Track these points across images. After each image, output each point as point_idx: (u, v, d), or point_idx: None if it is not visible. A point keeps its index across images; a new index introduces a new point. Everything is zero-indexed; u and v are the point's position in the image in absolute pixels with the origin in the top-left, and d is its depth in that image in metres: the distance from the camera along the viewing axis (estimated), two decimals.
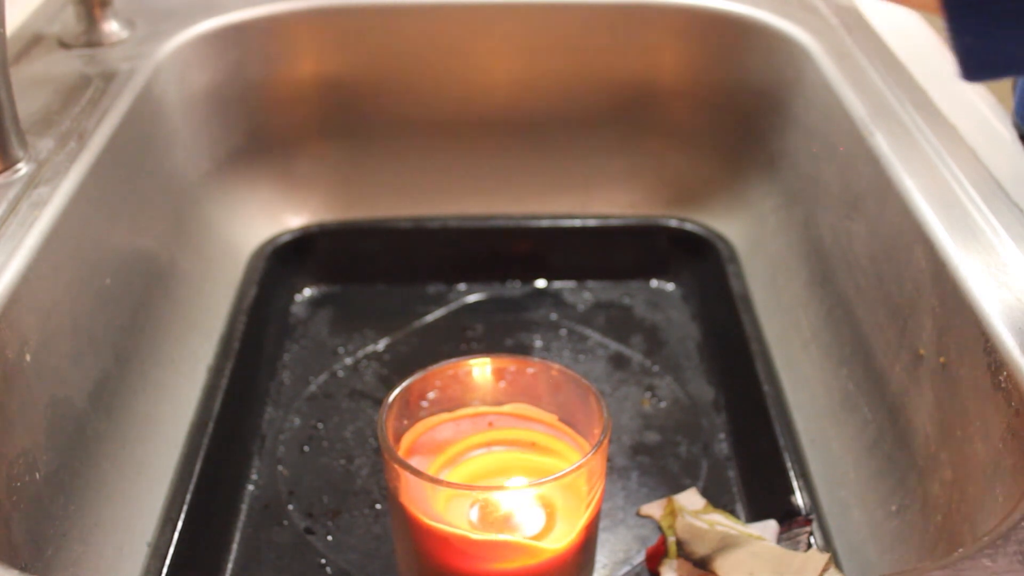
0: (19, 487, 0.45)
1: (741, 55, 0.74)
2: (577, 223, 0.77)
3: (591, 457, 0.45)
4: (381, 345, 0.70)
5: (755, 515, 0.57)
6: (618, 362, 0.69)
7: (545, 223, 0.77)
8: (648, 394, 0.66)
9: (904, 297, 0.53)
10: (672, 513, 0.51)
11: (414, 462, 0.47)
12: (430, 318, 0.73)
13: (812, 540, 0.52)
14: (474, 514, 0.47)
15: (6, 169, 0.53)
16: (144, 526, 0.54)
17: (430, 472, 0.48)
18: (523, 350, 0.70)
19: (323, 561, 0.55)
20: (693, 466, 0.61)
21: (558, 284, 0.76)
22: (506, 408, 0.51)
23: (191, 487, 0.56)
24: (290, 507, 0.58)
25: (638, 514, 0.52)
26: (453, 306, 0.74)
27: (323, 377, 0.68)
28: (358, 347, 0.70)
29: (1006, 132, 0.59)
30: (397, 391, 0.48)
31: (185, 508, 0.54)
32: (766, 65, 0.72)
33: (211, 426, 0.59)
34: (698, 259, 0.75)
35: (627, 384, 0.67)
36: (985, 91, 0.63)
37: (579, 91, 0.76)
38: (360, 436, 0.63)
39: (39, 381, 0.48)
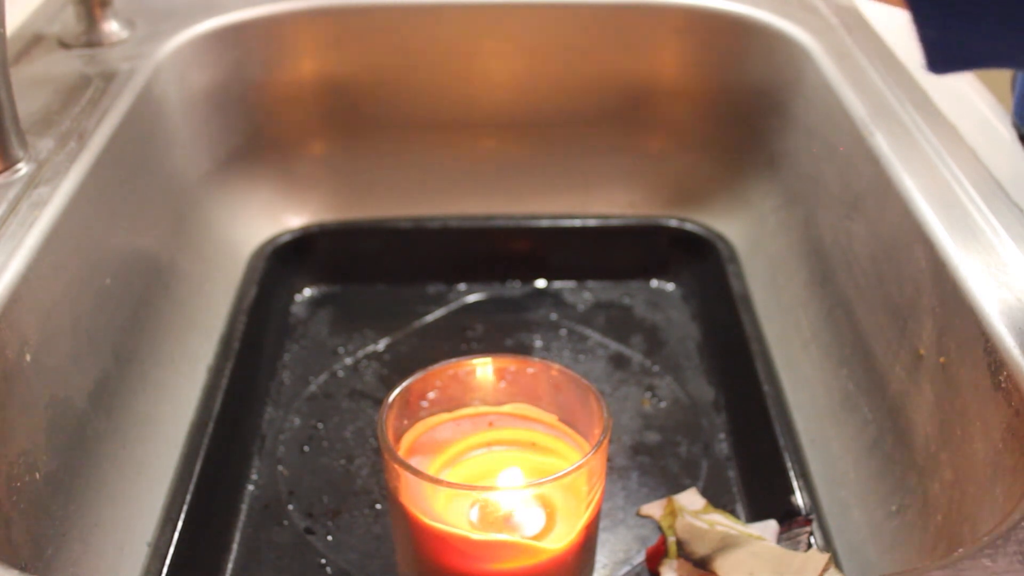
0: (19, 487, 0.45)
1: (741, 55, 0.74)
2: (577, 223, 0.77)
3: (591, 457, 0.45)
4: (381, 345, 0.70)
5: (755, 515, 0.57)
6: (618, 362, 0.69)
7: (545, 223, 0.77)
8: (648, 394, 0.66)
9: (904, 297, 0.53)
10: (672, 513, 0.51)
11: (414, 462, 0.47)
12: (430, 318, 0.73)
13: (812, 540, 0.52)
14: (474, 514, 0.47)
15: (6, 169, 0.53)
16: (144, 526, 0.54)
17: (430, 472, 0.48)
18: (523, 350, 0.70)
19: (323, 561, 0.55)
20: (693, 466, 0.61)
21: (558, 284, 0.76)
22: (506, 408, 0.51)
23: (191, 487, 0.56)
24: (290, 507, 0.58)
25: (638, 514, 0.52)
26: (453, 306, 0.74)
27: (323, 377, 0.68)
28: (358, 347, 0.70)
29: (1006, 132, 0.59)
30: (397, 391, 0.48)
31: (185, 508, 0.54)
32: (766, 65, 0.72)
33: (211, 426, 0.59)
34: (698, 259, 0.75)
35: (627, 384, 0.67)
36: (985, 91, 0.63)
37: (579, 91, 0.76)
38: (360, 436, 0.63)
39: (39, 381, 0.48)
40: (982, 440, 0.44)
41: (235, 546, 0.56)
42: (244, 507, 0.58)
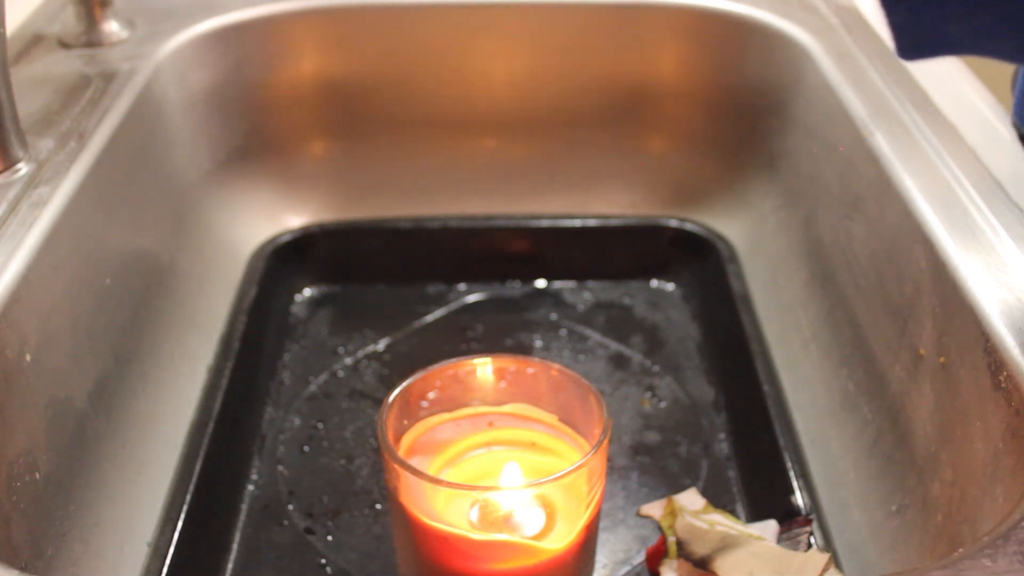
0: (19, 487, 0.45)
1: (741, 55, 0.74)
2: (577, 223, 0.77)
3: (591, 457, 0.45)
4: (381, 345, 0.70)
5: (755, 515, 0.57)
6: (618, 362, 0.69)
7: (545, 223, 0.77)
8: (648, 394, 0.66)
9: (904, 297, 0.53)
10: (672, 513, 0.51)
11: (414, 462, 0.47)
12: (430, 318, 0.73)
13: (812, 540, 0.52)
14: (474, 514, 0.47)
15: (6, 169, 0.53)
16: (144, 526, 0.54)
17: (430, 472, 0.48)
18: (523, 350, 0.70)
19: (323, 561, 0.55)
20: (693, 466, 0.61)
21: (558, 284, 0.76)
22: (506, 408, 0.51)
23: (191, 487, 0.56)
24: (290, 507, 0.58)
25: (638, 514, 0.52)
26: (453, 306, 0.74)
27: (323, 377, 0.68)
28: (358, 347, 0.70)
29: (1006, 132, 0.59)
30: (397, 391, 0.48)
31: (185, 508, 0.54)
32: (766, 65, 0.72)
33: (211, 426, 0.59)
34: (698, 259, 0.75)
35: (627, 384, 0.67)
36: (985, 91, 0.64)
37: (579, 91, 0.76)
38: (360, 436, 0.63)
39: (39, 381, 0.48)
40: (982, 440, 0.44)
41: (235, 546, 0.56)
42: (244, 507, 0.58)
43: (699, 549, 0.47)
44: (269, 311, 0.70)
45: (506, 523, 0.46)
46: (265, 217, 0.76)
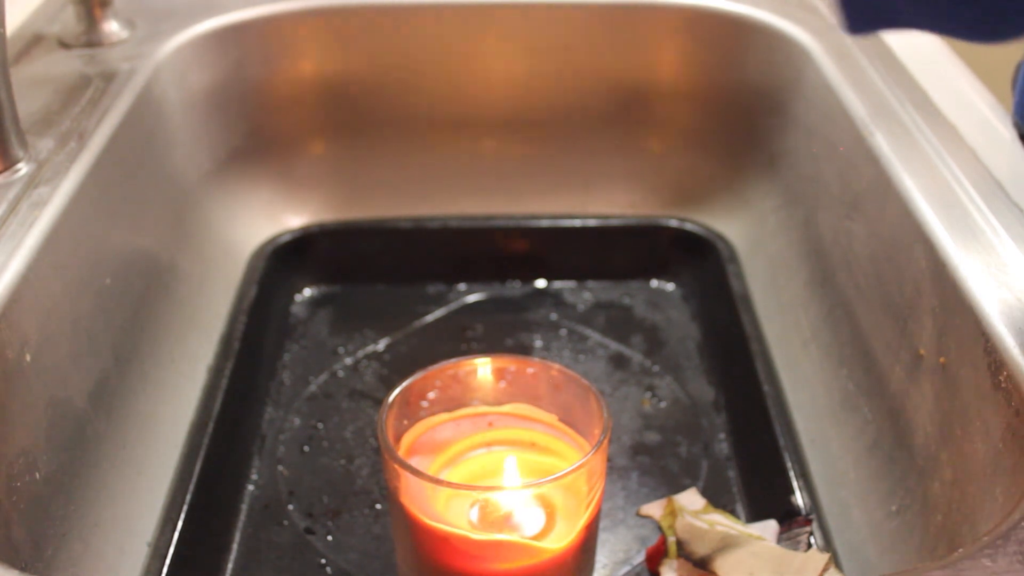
0: (19, 487, 0.45)
1: (741, 55, 0.74)
2: (577, 223, 0.77)
3: (591, 457, 0.45)
4: (381, 345, 0.70)
5: (755, 515, 0.57)
6: (618, 362, 0.69)
7: (545, 223, 0.77)
8: (648, 394, 0.66)
9: (904, 297, 0.53)
10: (672, 513, 0.51)
11: (414, 462, 0.47)
12: (430, 318, 0.73)
13: (812, 540, 0.52)
14: (474, 514, 0.47)
15: (6, 169, 0.53)
16: (144, 526, 0.54)
17: (430, 472, 0.48)
18: (523, 350, 0.70)
19: (323, 561, 0.55)
20: (693, 466, 0.61)
21: (558, 284, 0.76)
22: (506, 408, 0.51)
23: (191, 487, 0.56)
24: (290, 507, 0.58)
25: (638, 514, 0.52)
26: (453, 306, 0.74)
27: (323, 377, 0.68)
28: (358, 347, 0.70)
29: (1006, 132, 0.59)
30: (397, 391, 0.48)
31: (185, 508, 0.54)
32: (766, 65, 0.72)
33: (211, 426, 0.59)
34: (698, 259, 0.75)
35: (627, 384, 0.67)
36: (985, 91, 0.63)
37: (579, 91, 0.76)
38: (360, 436, 0.63)
39: (39, 381, 0.48)
40: (982, 440, 0.44)
41: (235, 546, 0.56)
42: (244, 507, 0.58)
43: (699, 549, 0.47)
44: (269, 311, 0.70)
45: (506, 523, 0.46)
46: (265, 217, 0.76)
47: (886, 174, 0.56)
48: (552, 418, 0.51)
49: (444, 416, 0.51)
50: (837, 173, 0.62)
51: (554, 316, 0.73)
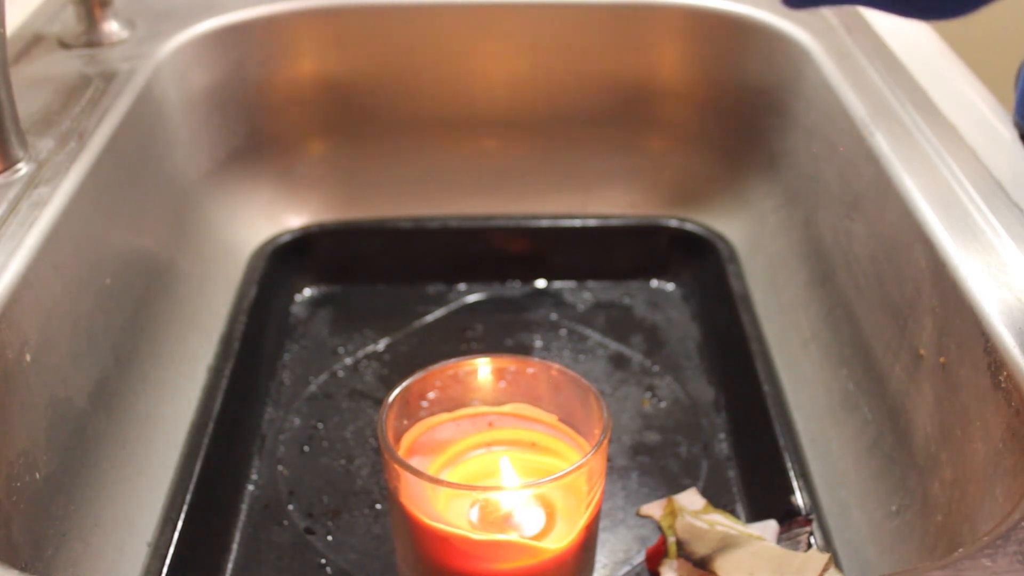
0: (19, 487, 0.45)
1: (741, 55, 0.74)
2: (577, 223, 0.77)
3: (591, 457, 0.45)
4: (381, 345, 0.70)
5: (755, 515, 0.57)
6: (618, 362, 0.69)
7: (545, 223, 0.77)
8: (648, 394, 0.66)
9: (904, 297, 0.53)
10: (672, 513, 0.51)
11: (414, 462, 0.47)
12: (430, 318, 0.73)
13: (812, 540, 0.52)
14: (474, 514, 0.47)
15: (6, 169, 0.53)
16: (144, 526, 0.54)
17: (430, 472, 0.48)
18: (523, 350, 0.70)
19: (323, 561, 0.55)
20: (693, 466, 0.61)
21: (558, 284, 0.76)
22: (506, 408, 0.51)
23: (191, 487, 0.56)
24: (290, 507, 0.58)
25: (638, 514, 0.52)
26: (453, 306, 0.74)
27: (323, 377, 0.68)
28: (358, 347, 0.70)
29: (1006, 132, 0.59)
30: (397, 391, 0.48)
31: (185, 508, 0.54)
32: (766, 65, 0.72)
33: (211, 426, 0.59)
34: (698, 259, 0.75)
35: (627, 384, 0.67)
36: (985, 91, 0.64)
37: (579, 91, 0.76)
38: (360, 436, 0.63)
39: (39, 381, 0.48)
40: (982, 440, 0.44)
41: (235, 546, 0.56)
42: (244, 507, 0.58)
43: (699, 549, 0.47)
44: (269, 311, 0.70)
45: (506, 523, 0.46)
46: (265, 217, 0.76)
47: (886, 174, 0.56)
48: (552, 418, 0.51)
49: (444, 416, 0.51)
50: (837, 173, 0.62)
51: (554, 316, 0.73)
